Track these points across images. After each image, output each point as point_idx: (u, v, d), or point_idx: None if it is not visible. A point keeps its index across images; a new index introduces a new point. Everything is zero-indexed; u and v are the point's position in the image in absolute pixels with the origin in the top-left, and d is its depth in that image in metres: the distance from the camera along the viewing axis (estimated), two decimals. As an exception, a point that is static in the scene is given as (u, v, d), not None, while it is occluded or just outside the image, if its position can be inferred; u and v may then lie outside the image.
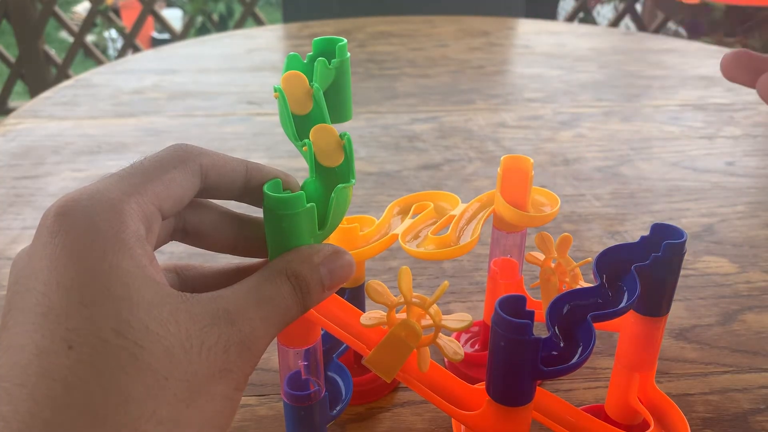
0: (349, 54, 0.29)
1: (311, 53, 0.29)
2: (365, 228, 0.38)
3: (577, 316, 0.28)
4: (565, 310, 0.28)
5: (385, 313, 0.29)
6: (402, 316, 0.29)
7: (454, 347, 0.29)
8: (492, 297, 0.41)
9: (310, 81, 0.28)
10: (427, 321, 0.29)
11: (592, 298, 0.29)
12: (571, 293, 0.29)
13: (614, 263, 0.31)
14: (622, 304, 0.29)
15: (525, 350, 0.26)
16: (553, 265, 0.36)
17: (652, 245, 0.31)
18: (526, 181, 0.36)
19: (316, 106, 0.28)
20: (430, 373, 0.31)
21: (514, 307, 0.26)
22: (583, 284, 0.37)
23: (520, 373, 0.27)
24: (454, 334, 0.44)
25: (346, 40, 0.29)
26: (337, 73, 0.29)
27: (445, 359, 0.42)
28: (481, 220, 0.37)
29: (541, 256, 0.37)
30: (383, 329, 0.30)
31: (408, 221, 0.37)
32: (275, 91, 0.27)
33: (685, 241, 0.30)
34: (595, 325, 0.33)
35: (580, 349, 0.27)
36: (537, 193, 0.39)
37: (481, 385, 0.31)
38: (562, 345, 0.28)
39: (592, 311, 0.28)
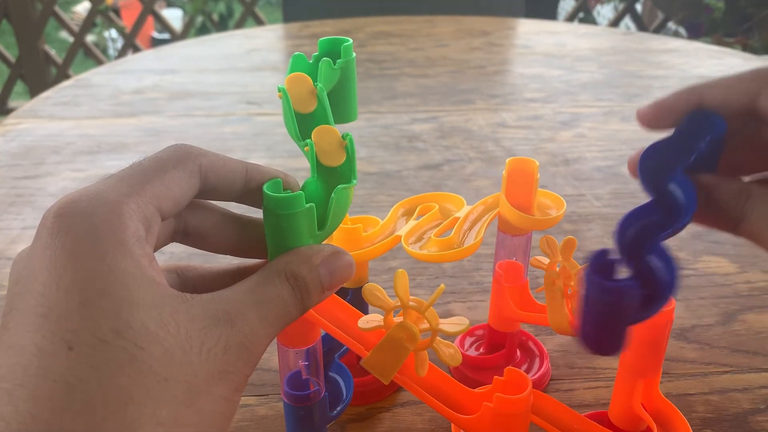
0: (354, 54, 0.29)
1: (317, 53, 0.29)
2: (369, 228, 0.38)
3: (647, 242, 0.26)
4: (632, 235, 0.27)
5: (384, 316, 0.29)
6: (399, 319, 0.29)
7: (452, 351, 0.29)
8: (496, 301, 0.40)
9: (315, 81, 0.28)
10: (424, 325, 0.29)
11: (655, 214, 0.27)
12: (632, 214, 0.27)
13: (655, 167, 0.29)
14: (686, 209, 0.27)
15: (620, 309, 0.25)
16: (557, 268, 0.36)
17: (690, 137, 0.29)
18: (531, 183, 0.36)
19: (319, 105, 0.28)
20: (428, 376, 0.31)
21: (601, 264, 0.25)
22: None
23: (616, 326, 0.26)
24: (458, 337, 0.44)
25: (351, 41, 0.29)
26: (342, 74, 0.29)
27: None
28: (485, 222, 0.37)
29: (545, 260, 0.37)
30: (382, 331, 0.30)
31: (412, 222, 0.37)
32: (279, 91, 0.27)
33: (724, 130, 0.28)
34: None
35: (664, 277, 0.25)
36: (542, 195, 0.38)
37: (483, 389, 0.31)
38: (639, 283, 0.26)
39: (659, 230, 0.26)
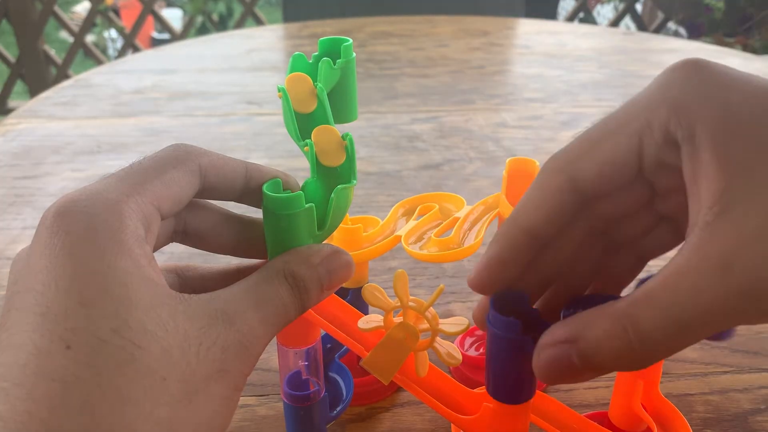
0: (354, 54, 0.29)
1: (317, 53, 0.29)
2: (369, 228, 0.38)
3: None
4: (582, 306, 0.27)
5: (383, 317, 0.29)
6: (399, 319, 0.29)
7: (451, 351, 0.28)
8: None
9: (315, 81, 0.28)
10: (424, 325, 0.29)
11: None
12: (585, 299, 0.28)
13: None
14: None
15: (518, 348, 0.25)
16: None
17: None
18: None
19: (319, 105, 0.28)
20: (428, 377, 0.31)
21: (513, 303, 0.25)
22: None
23: (516, 371, 0.26)
24: (458, 337, 0.44)
25: (351, 41, 0.29)
26: (343, 74, 0.29)
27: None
28: (486, 223, 0.37)
29: None
30: (382, 331, 0.30)
31: (412, 222, 0.37)
32: (279, 90, 0.27)
33: None
34: None
35: None
36: None
37: (481, 389, 0.30)
38: None
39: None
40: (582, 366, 0.21)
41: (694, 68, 0.22)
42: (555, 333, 0.22)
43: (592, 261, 0.25)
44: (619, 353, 0.20)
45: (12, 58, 2.01)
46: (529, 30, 1.24)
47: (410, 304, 0.28)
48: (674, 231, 0.24)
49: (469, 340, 0.44)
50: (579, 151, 0.23)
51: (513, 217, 0.24)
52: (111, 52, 3.22)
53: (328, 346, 0.38)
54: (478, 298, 0.48)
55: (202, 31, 3.03)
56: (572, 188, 0.23)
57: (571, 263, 0.25)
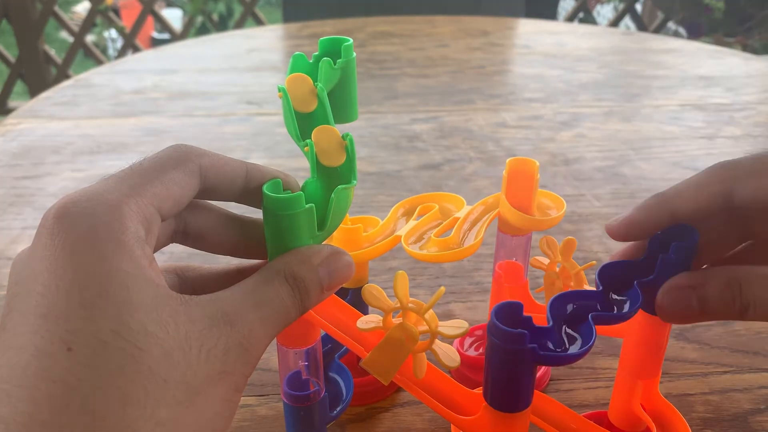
0: (354, 54, 0.29)
1: (317, 53, 0.29)
2: (369, 228, 0.38)
3: (579, 316, 0.28)
4: (567, 309, 0.28)
5: (382, 317, 0.29)
6: (399, 320, 0.29)
7: (450, 354, 0.28)
8: (496, 301, 0.40)
9: (315, 81, 0.28)
10: (423, 327, 0.29)
11: (594, 301, 0.29)
12: (573, 293, 0.29)
13: (617, 277, 0.30)
14: (625, 311, 0.28)
15: (522, 359, 0.25)
16: (557, 269, 0.36)
17: (659, 253, 0.30)
18: (531, 184, 0.36)
19: (320, 105, 0.28)
20: (428, 377, 0.31)
21: (510, 314, 0.26)
22: (587, 288, 0.37)
23: (516, 380, 0.26)
24: (457, 339, 0.44)
25: (351, 40, 0.29)
26: (343, 73, 0.29)
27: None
28: (486, 223, 0.37)
29: (545, 261, 0.37)
30: (382, 332, 0.30)
31: (412, 222, 0.37)
32: (279, 90, 0.27)
33: (696, 242, 0.29)
34: (600, 329, 0.32)
35: (579, 342, 0.27)
36: (542, 195, 0.38)
37: (481, 389, 0.30)
38: (560, 340, 0.27)
39: (594, 312, 0.28)
40: (698, 308, 0.27)
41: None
42: (680, 280, 0.28)
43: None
44: (727, 307, 0.26)
45: (12, 58, 2.01)
46: (529, 30, 1.24)
47: (410, 305, 0.28)
48: None
49: (468, 340, 0.44)
50: (746, 169, 0.28)
51: (666, 199, 0.29)
52: (111, 52, 3.22)
53: (328, 346, 0.38)
54: (476, 299, 0.49)
55: (202, 31, 3.03)
56: (726, 200, 0.28)
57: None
